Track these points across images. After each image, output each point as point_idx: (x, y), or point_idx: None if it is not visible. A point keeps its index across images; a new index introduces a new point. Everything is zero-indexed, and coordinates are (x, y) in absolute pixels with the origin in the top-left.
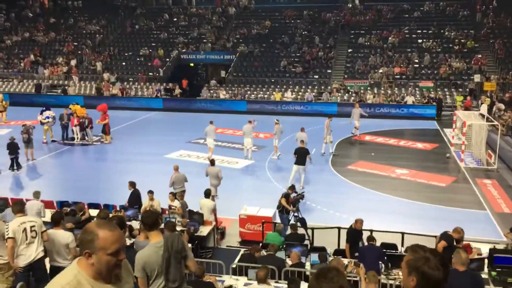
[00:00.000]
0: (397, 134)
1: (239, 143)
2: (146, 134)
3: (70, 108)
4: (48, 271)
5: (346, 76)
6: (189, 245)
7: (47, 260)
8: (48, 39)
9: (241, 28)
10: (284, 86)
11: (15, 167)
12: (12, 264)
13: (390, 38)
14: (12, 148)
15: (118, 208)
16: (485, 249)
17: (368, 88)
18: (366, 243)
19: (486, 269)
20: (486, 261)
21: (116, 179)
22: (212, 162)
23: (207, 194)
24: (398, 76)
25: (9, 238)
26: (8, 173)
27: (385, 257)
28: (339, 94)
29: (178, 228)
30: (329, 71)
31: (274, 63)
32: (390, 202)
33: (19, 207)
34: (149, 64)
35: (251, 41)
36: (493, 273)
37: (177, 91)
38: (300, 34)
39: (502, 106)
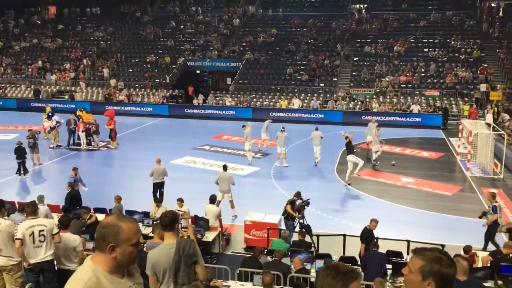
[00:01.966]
0: (403, 142)
1: (245, 149)
2: (152, 140)
3: (79, 114)
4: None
5: (351, 84)
6: None
7: None
8: (56, 46)
9: (247, 36)
10: (290, 94)
11: (22, 172)
12: (24, 261)
13: (396, 47)
14: (20, 152)
15: (124, 213)
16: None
17: (374, 96)
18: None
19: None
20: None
21: (122, 184)
22: (225, 168)
23: (212, 200)
24: (404, 85)
25: (17, 239)
26: (15, 177)
27: (386, 264)
28: (345, 102)
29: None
30: (335, 79)
31: (280, 71)
32: (396, 210)
33: (31, 209)
34: (155, 71)
35: (257, 48)
36: (500, 282)
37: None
38: (306, 42)
39: (507, 117)
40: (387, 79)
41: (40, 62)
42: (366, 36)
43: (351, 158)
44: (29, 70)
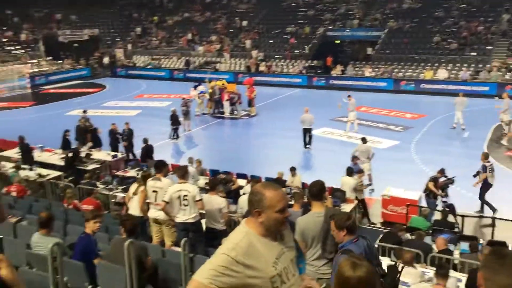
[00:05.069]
0: None
1: (383, 122)
2: (289, 110)
3: (223, 83)
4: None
5: (510, 53)
6: None
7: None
8: (204, 19)
9: (391, 2)
10: (436, 64)
11: (174, 136)
12: (168, 216)
13: None
14: (174, 119)
15: (263, 180)
16: None
17: None
18: None
19: None
20: None
21: (260, 152)
22: (364, 140)
23: (350, 172)
24: None
25: (163, 201)
26: (168, 141)
27: None
28: (500, 73)
29: None
30: (489, 47)
31: (425, 39)
32: None
33: (181, 173)
34: (294, 41)
35: (401, 16)
36: None
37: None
38: (458, 7)
39: None
40: None
41: (189, 34)
42: None
43: None
44: (180, 42)
